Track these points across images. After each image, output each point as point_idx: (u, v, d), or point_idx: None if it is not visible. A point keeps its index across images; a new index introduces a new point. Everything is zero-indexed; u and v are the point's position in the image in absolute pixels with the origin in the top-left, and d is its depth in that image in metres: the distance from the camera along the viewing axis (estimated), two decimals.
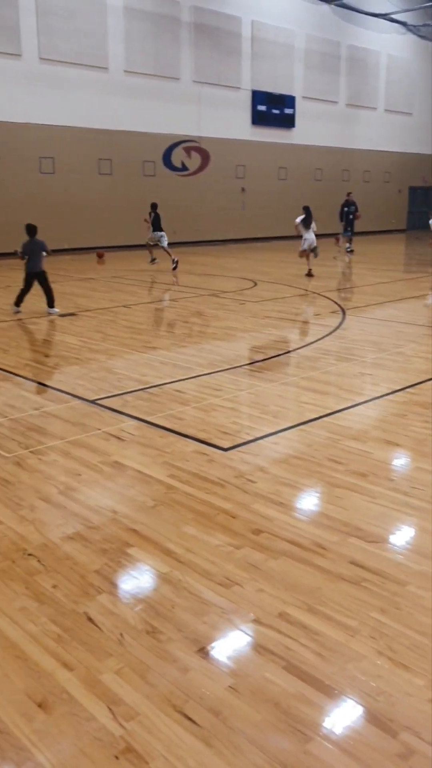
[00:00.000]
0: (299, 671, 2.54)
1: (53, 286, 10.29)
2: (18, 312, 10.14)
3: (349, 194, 21.15)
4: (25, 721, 2.31)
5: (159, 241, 16.47)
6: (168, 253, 16.23)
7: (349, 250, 20.31)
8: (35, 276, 10.00)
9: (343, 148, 28.06)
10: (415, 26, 27.39)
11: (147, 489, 4.13)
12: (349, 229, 20.54)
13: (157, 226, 16.50)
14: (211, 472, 4.37)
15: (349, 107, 27.94)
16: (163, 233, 16.44)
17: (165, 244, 16.41)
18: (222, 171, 24.02)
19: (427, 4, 26.47)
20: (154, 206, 16.72)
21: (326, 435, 5.04)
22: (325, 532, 3.57)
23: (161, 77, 21.73)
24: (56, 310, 10.15)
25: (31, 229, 9.99)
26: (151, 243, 16.80)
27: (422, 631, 2.75)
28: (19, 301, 10.17)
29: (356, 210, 20.39)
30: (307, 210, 14.38)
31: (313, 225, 14.28)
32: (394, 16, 26.07)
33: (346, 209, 20.50)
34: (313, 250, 14.40)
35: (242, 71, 23.85)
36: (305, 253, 14.56)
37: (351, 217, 20.38)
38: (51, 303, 10.16)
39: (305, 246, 14.40)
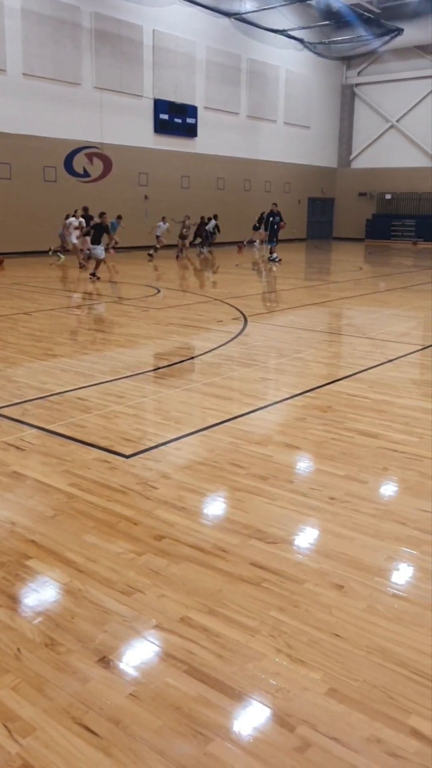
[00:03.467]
0: (200, 674, 2.55)
1: None
2: None
3: (274, 205, 21.55)
4: None
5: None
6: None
7: (275, 259, 20.54)
8: None
9: (245, 159, 28.60)
10: (311, 44, 28.32)
11: (47, 499, 4.04)
12: (274, 239, 20.93)
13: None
14: (112, 479, 4.33)
15: (250, 119, 28.52)
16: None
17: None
18: (125, 178, 23.92)
19: (322, 24, 27.46)
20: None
21: (228, 440, 5.10)
22: (226, 536, 3.61)
23: (61, 82, 21.42)
24: None
25: None
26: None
27: (319, 627, 2.83)
28: None
29: (281, 220, 20.83)
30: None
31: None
32: (291, 33, 26.85)
33: (271, 219, 20.88)
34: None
35: (144, 79, 23.88)
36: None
37: (276, 227, 20.78)
38: None
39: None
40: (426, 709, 2.38)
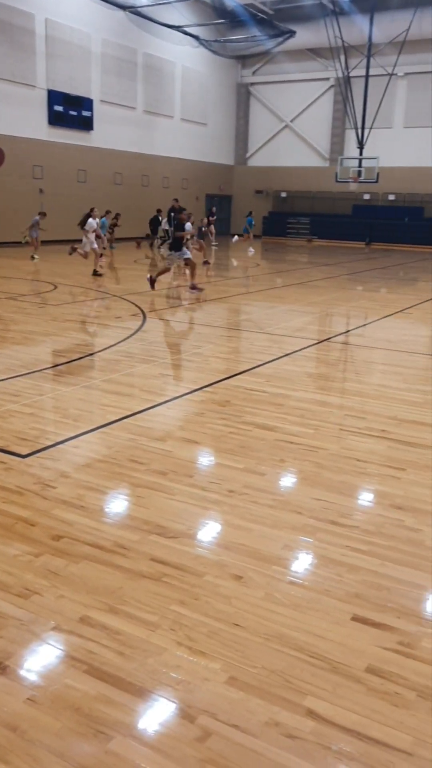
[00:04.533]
0: (101, 673, 2.53)
1: None
2: None
3: (175, 201, 21.35)
4: None
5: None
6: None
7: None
8: None
9: (143, 154, 28.41)
10: (207, 41, 28.47)
11: None
12: None
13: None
14: (8, 480, 4.21)
15: (147, 114, 28.36)
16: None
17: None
18: (18, 171, 23.18)
19: (217, 22, 27.68)
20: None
21: (128, 436, 5.07)
22: (126, 532, 3.59)
23: None
24: None
25: None
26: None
27: (218, 617, 2.88)
28: None
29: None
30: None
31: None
32: (187, 30, 26.90)
33: (172, 215, 20.71)
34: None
35: (37, 69, 23.21)
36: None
37: (176, 222, 20.62)
38: None
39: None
40: (320, 689, 2.47)
